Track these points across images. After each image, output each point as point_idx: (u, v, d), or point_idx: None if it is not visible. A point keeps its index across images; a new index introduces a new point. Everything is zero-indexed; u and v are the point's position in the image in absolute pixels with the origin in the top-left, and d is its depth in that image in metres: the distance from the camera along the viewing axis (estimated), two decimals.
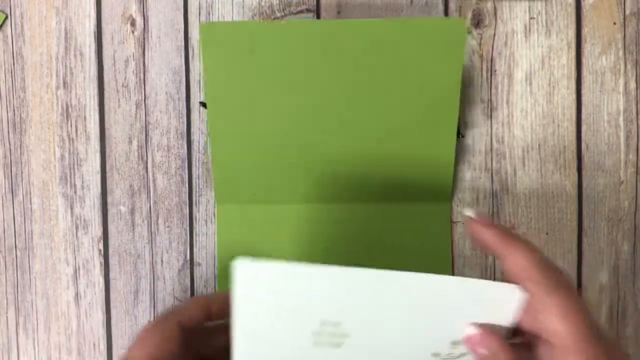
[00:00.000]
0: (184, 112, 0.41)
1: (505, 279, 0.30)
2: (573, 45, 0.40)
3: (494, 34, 0.40)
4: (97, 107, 0.42)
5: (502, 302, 0.31)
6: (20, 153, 0.42)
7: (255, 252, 0.40)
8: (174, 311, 0.35)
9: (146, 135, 0.41)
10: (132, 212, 0.42)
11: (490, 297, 0.31)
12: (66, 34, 0.41)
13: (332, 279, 0.31)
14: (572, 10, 0.40)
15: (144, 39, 0.41)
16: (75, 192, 0.42)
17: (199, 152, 0.41)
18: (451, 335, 0.32)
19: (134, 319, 0.42)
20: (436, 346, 0.32)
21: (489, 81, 0.41)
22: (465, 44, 0.40)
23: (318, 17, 0.41)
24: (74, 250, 0.42)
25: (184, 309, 0.35)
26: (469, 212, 0.31)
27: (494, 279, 0.41)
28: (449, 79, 0.36)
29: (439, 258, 0.40)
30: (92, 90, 0.42)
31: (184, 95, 0.41)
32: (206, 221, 0.41)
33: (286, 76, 0.37)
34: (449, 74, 0.36)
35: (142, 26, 0.41)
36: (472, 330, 0.31)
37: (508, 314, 0.31)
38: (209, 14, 0.41)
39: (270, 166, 0.39)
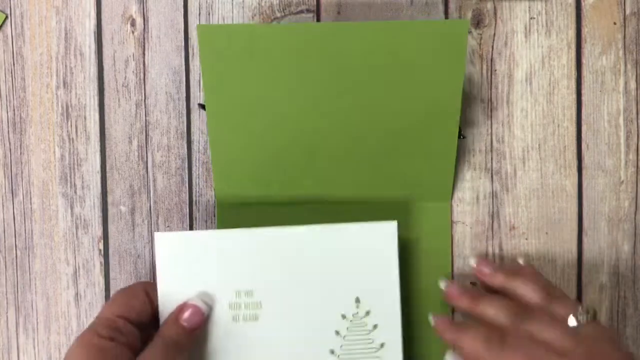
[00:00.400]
0: (184, 112, 0.41)
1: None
2: (573, 45, 0.40)
3: (494, 34, 0.41)
4: (97, 107, 0.42)
5: (384, 239, 0.37)
6: (20, 153, 0.42)
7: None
8: (142, 281, 0.39)
9: (146, 135, 0.41)
10: (132, 212, 0.42)
11: (374, 238, 0.37)
12: (66, 34, 0.42)
13: (240, 240, 0.37)
14: (572, 10, 0.40)
15: (144, 39, 0.41)
16: (75, 192, 0.42)
17: (199, 152, 0.41)
18: (352, 289, 0.37)
19: None
20: (342, 306, 0.37)
21: (489, 81, 0.41)
22: (467, 45, 0.40)
23: (318, 17, 0.41)
24: (74, 250, 0.42)
25: (149, 282, 0.39)
26: (472, 262, 0.39)
27: None
28: (451, 81, 0.36)
29: (439, 257, 0.40)
30: (92, 90, 0.42)
31: (184, 95, 0.41)
32: (206, 221, 0.41)
33: (285, 78, 0.37)
34: (450, 76, 0.36)
35: (142, 26, 0.41)
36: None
37: (392, 249, 0.37)
38: (209, 14, 0.41)
39: (270, 168, 0.39)
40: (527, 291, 0.35)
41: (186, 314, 0.35)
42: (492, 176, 0.41)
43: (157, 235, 0.37)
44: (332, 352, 0.37)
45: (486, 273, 0.38)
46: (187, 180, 0.41)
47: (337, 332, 0.37)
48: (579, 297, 0.41)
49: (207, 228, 0.41)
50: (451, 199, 0.41)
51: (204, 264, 0.36)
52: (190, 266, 0.36)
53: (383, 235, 0.37)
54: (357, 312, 0.37)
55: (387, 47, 0.36)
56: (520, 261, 0.39)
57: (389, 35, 0.35)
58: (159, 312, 0.36)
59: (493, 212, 0.41)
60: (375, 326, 0.37)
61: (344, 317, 0.37)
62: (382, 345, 0.37)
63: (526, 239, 0.41)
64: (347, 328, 0.37)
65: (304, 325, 0.37)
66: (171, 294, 0.36)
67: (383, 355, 0.37)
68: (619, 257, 0.41)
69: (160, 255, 0.36)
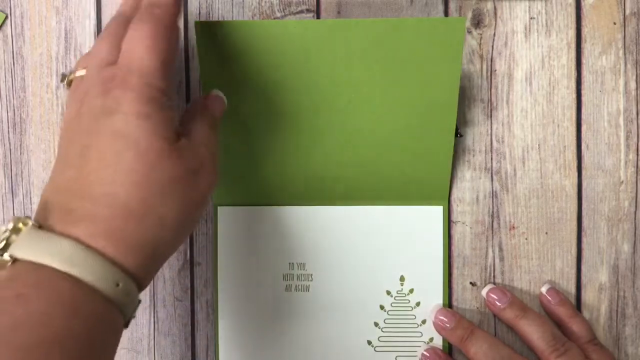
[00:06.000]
0: None
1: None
2: (573, 45, 0.40)
3: (494, 34, 0.41)
4: None
5: (430, 222, 0.40)
6: (20, 153, 0.42)
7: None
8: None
9: None
10: None
11: (421, 220, 0.40)
12: (66, 34, 0.41)
13: (295, 215, 0.40)
14: (572, 10, 0.40)
15: None
16: None
17: None
18: (398, 267, 0.40)
19: (133, 319, 0.42)
20: (388, 282, 0.40)
21: (489, 81, 0.41)
22: (464, 42, 0.40)
23: (318, 17, 0.41)
24: None
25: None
26: (484, 291, 0.40)
27: (494, 280, 0.41)
28: (448, 78, 0.36)
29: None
30: None
31: (184, 95, 0.41)
32: (206, 221, 0.41)
33: (282, 75, 0.37)
34: (447, 73, 0.36)
35: None
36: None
37: (437, 231, 0.40)
38: (209, 14, 0.41)
39: (267, 168, 0.39)
40: (533, 336, 0.38)
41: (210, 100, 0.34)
42: (492, 176, 0.41)
43: (220, 209, 0.40)
44: (377, 324, 0.40)
45: (497, 306, 0.39)
46: None
47: (382, 307, 0.40)
48: (579, 297, 0.41)
49: (206, 228, 0.41)
50: (449, 199, 0.41)
51: (261, 237, 0.40)
52: (248, 238, 0.40)
53: (429, 218, 0.40)
54: (402, 289, 0.40)
55: (384, 44, 0.35)
56: (544, 289, 0.40)
57: (386, 32, 0.35)
58: (218, 280, 0.40)
59: (493, 212, 0.41)
60: (418, 303, 0.40)
61: (388, 293, 0.40)
62: (423, 321, 0.40)
63: (526, 239, 0.41)
64: (391, 304, 0.40)
65: (350, 298, 0.40)
66: (231, 263, 0.40)
67: (424, 331, 0.40)
68: (619, 257, 0.41)
69: (222, 228, 0.40)
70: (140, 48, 0.29)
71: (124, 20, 0.31)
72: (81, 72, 0.31)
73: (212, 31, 0.35)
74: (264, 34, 0.35)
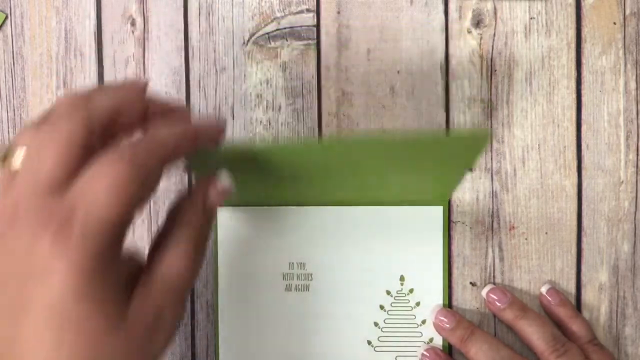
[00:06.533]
0: None
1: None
2: (573, 45, 0.40)
3: (494, 34, 0.40)
4: None
5: (430, 222, 0.40)
6: None
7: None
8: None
9: None
10: None
11: (421, 220, 0.40)
12: (66, 34, 0.42)
13: (295, 215, 0.40)
14: (572, 10, 0.40)
15: (144, 39, 0.41)
16: None
17: None
18: (398, 267, 0.40)
19: None
20: (387, 282, 0.40)
21: (489, 81, 0.41)
22: (485, 150, 0.40)
23: (318, 16, 0.41)
24: None
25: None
26: (484, 292, 0.40)
27: (494, 280, 0.41)
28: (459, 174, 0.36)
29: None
30: None
31: (184, 95, 0.41)
32: None
33: (279, 176, 0.35)
34: (459, 174, 0.36)
35: (142, 26, 0.41)
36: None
37: (437, 231, 0.40)
38: (209, 14, 0.41)
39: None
40: (533, 337, 0.38)
41: (215, 191, 0.29)
42: (492, 176, 0.41)
43: (220, 209, 0.40)
44: (376, 324, 0.40)
45: (497, 307, 0.39)
46: (187, 180, 0.41)
47: (382, 307, 0.40)
48: (579, 297, 0.41)
49: None
50: (449, 199, 0.41)
51: (261, 237, 0.40)
52: (248, 238, 0.40)
53: (429, 218, 0.40)
54: (402, 289, 0.40)
55: (394, 159, 0.32)
56: (544, 289, 0.40)
57: (397, 151, 0.31)
58: (218, 287, 0.40)
59: (493, 212, 0.41)
60: (417, 303, 0.40)
61: (388, 293, 0.40)
62: (423, 321, 0.40)
63: (526, 239, 0.41)
64: (391, 303, 0.40)
65: (351, 298, 0.40)
66: (231, 263, 0.40)
67: (424, 331, 0.40)
68: (619, 257, 0.41)
69: (222, 228, 0.40)
70: (100, 193, 0.23)
71: (101, 133, 0.25)
72: (20, 153, 0.24)
73: (205, 160, 0.32)
74: (260, 157, 0.32)
